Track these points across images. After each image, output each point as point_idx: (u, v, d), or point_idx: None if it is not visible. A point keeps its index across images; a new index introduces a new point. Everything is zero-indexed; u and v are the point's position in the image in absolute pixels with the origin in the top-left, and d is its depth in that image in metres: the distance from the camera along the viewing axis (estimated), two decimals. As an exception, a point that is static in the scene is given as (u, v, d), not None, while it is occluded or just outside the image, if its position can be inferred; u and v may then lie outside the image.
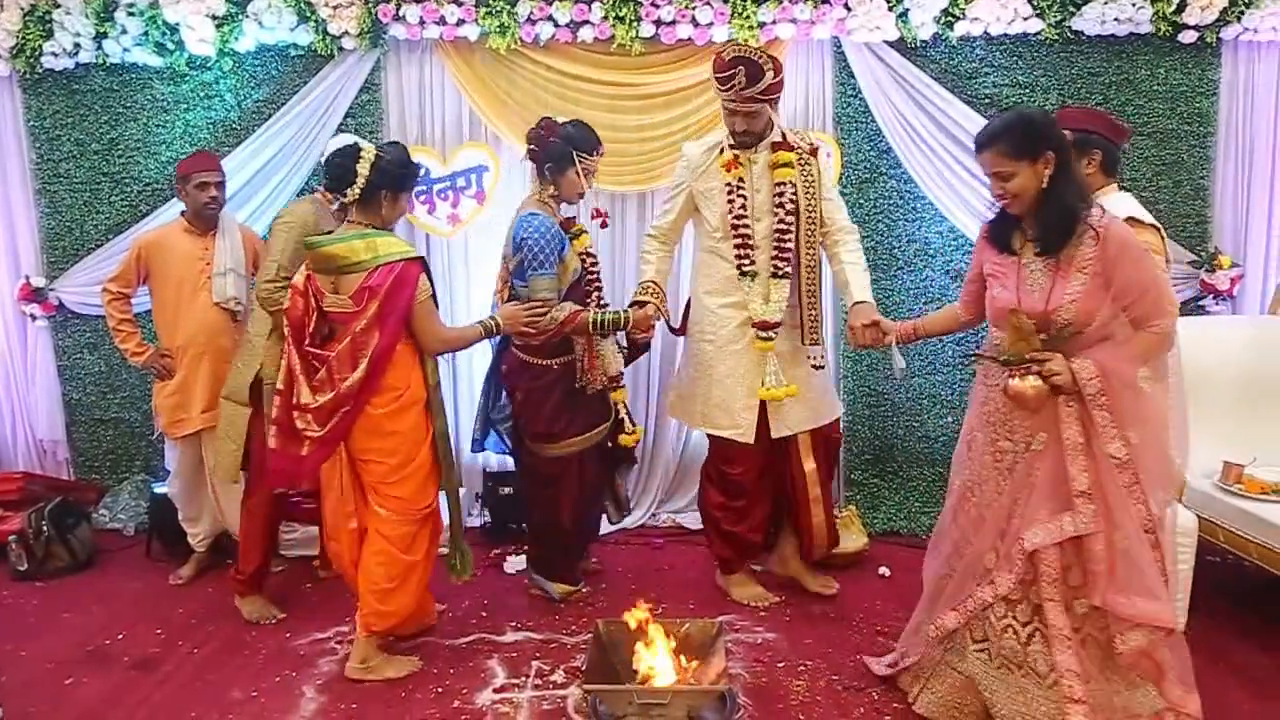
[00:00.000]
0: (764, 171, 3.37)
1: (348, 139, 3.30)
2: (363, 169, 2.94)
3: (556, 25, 4.18)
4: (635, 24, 4.15)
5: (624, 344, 3.67)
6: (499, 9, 4.12)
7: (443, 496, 3.24)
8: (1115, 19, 4.18)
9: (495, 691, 3.00)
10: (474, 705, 2.92)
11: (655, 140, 4.34)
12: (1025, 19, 4.19)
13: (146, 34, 4.24)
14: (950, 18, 4.17)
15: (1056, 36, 4.22)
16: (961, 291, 2.89)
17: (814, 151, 3.42)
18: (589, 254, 3.57)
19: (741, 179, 3.36)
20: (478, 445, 3.81)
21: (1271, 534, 3.12)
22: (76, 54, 4.34)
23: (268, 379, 3.33)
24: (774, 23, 4.15)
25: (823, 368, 3.49)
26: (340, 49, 4.29)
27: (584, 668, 2.89)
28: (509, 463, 4.61)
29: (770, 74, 3.18)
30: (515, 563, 4.06)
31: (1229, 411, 3.60)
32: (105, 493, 4.65)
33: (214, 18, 4.18)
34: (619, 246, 4.57)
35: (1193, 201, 4.42)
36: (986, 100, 4.33)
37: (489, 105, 4.36)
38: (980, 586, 2.59)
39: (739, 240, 3.35)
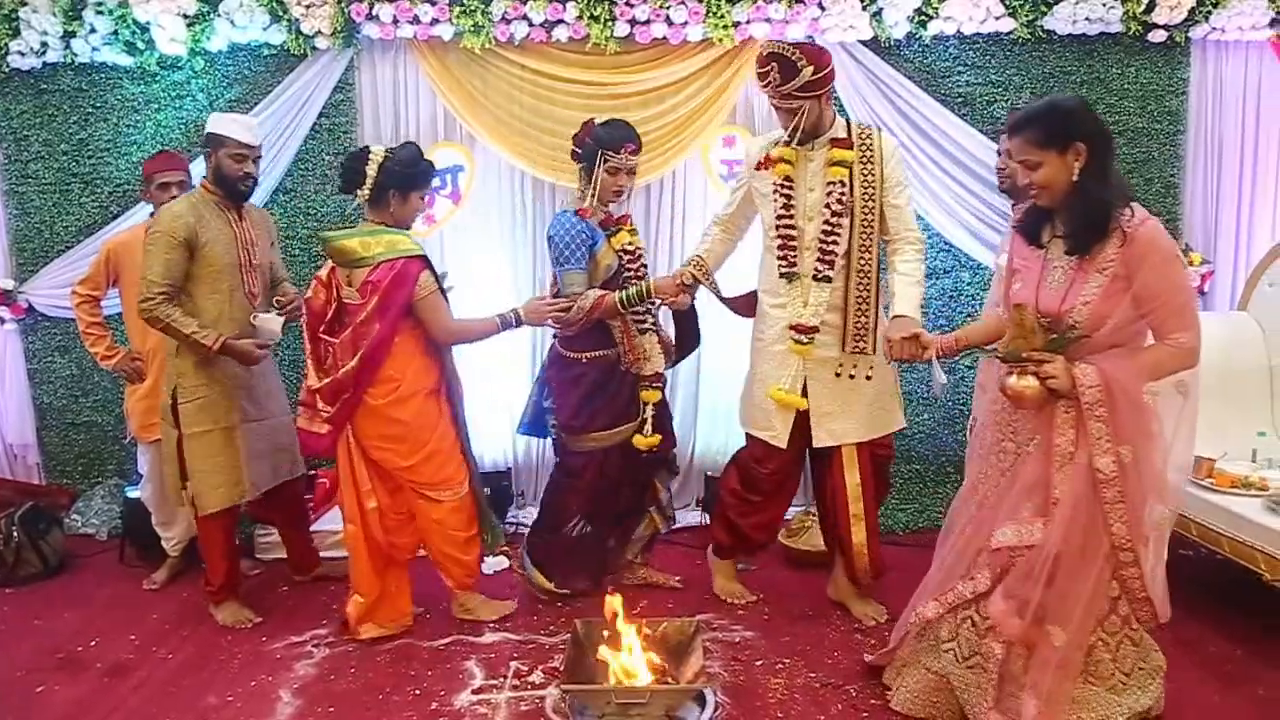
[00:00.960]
0: (820, 170, 3.22)
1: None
2: (371, 170, 3.15)
3: (531, 24, 4.17)
4: (610, 23, 4.15)
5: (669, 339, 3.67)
6: (473, 8, 4.11)
7: None
8: (1086, 18, 4.21)
9: (473, 693, 2.99)
10: (452, 707, 2.90)
11: (631, 140, 4.34)
12: (997, 18, 4.22)
13: (116, 33, 4.19)
14: (924, 17, 4.20)
15: (1028, 35, 4.26)
16: (1000, 294, 2.77)
17: (869, 148, 3.21)
18: (627, 251, 3.50)
19: (789, 178, 3.22)
20: (521, 428, 3.85)
21: (1242, 527, 3.15)
22: (44, 53, 4.29)
23: (181, 397, 3.35)
24: (748, 22, 4.16)
25: (870, 378, 3.27)
26: (313, 48, 4.26)
27: (562, 668, 2.89)
28: (485, 463, 4.64)
29: (808, 70, 3.02)
30: (494, 563, 4.04)
31: (1200, 406, 3.63)
32: (77, 497, 4.60)
33: (185, 17, 4.14)
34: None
35: (1163, 199, 4.47)
36: (960, 99, 4.36)
37: (464, 105, 4.35)
38: (962, 580, 2.57)
39: (780, 241, 3.24)
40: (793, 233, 3.23)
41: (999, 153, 3.50)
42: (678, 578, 3.82)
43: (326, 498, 4.36)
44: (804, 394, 3.27)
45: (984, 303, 3.85)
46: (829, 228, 3.19)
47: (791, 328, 3.24)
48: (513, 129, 4.34)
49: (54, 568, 4.08)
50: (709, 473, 4.51)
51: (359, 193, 3.20)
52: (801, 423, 3.31)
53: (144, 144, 4.38)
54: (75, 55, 4.27)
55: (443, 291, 3.28)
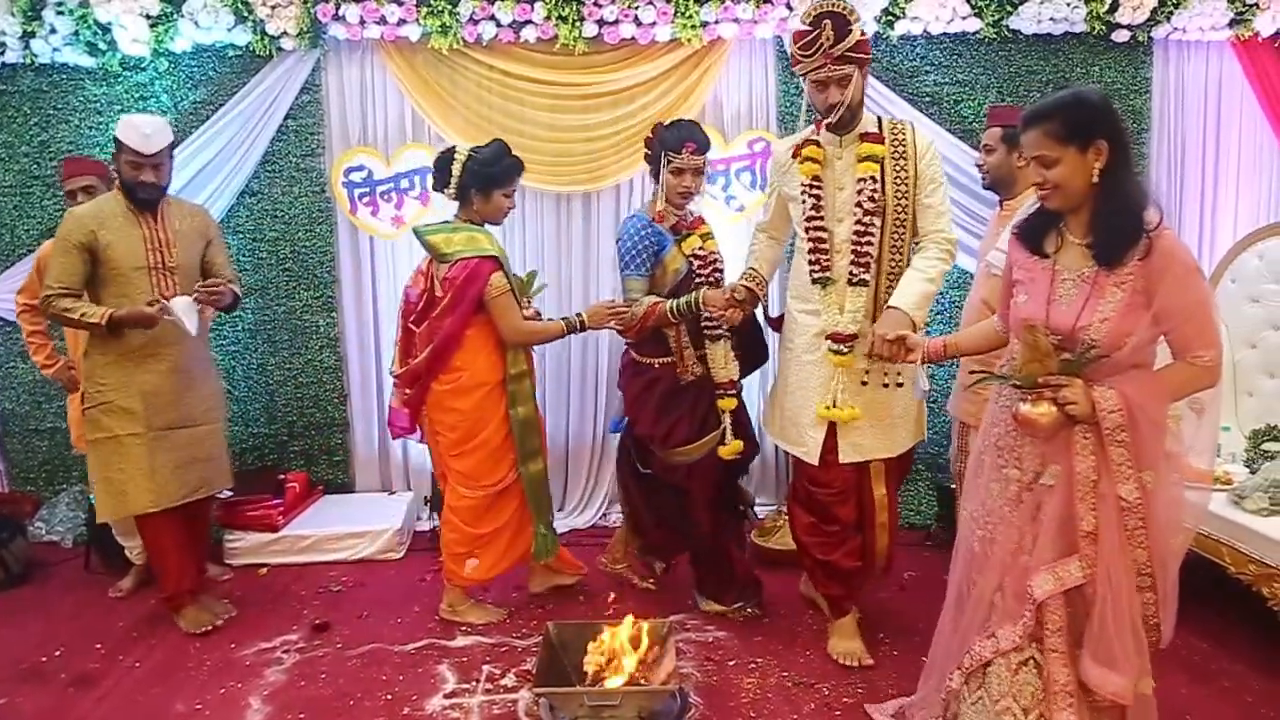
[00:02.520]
0: (849, 167, 3.02)
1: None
2: (455, 169, 3.31)
3: (499, 25, 4.15)
4: (578, 24, 4.14)
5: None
6: (440, 9, 4.09)
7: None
8: (1051, 18, 4.26)
9: (446, 697, 2.97)
10: (424, 711, 2.88)
11: (600, 140, 4.34)
12: (964, 18, 4.25)
13: (77, 34, 4.13)
14: (891, 17, 4.22)
15: (994, 35, 4.29)
16: (988, 309, 2.56)
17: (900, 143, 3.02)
18: (698, 255, 3.37)
19: (818, 177, 3.04)
20: (613, 426, 3.85)
21: (1209, 521, 3.18)
22: (2, 54, 4.22)
23: (87, 402, 3.32)
24: (717, 22, 4.17)
25: (901, 385, 3.07)
26: (279, 49, 4.22)
27: (534, 671, 2.87)
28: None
29: (858, 28, 2.86)
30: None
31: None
32: (41, 504, 4.52)
33: (148, 17, 4.09)
34: (565, 248, 4.55)
35: (1128, 197, 4.51)
36: (927, 98, 4.39)
37: (432, 106, 4.32)
38: (980, 641, 2.29)
39: (811, 244, 3.04)
40: (823, 234, 3.04)
41: (980, 147, 3.48)
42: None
43: (296, 502, 4.33)
44: (833, 404, 3.04)
45: (964, 305, 3.77)
46: (861, 228, 2.97)
47: (828, 336, 3.02)
48: (481, 130, 4.31)
49: (18, 576, 4.01)
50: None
51: (446, 191, 3.36)
52: (830, 433, 3.09)
53: (107, 146, 4.29)
54: (35, 56, 4.21)
55: (514, 292, 3.33)
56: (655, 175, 3.37)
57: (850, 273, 3.00)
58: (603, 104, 4.34)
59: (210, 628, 3.44)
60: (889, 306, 2.88)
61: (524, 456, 3.42)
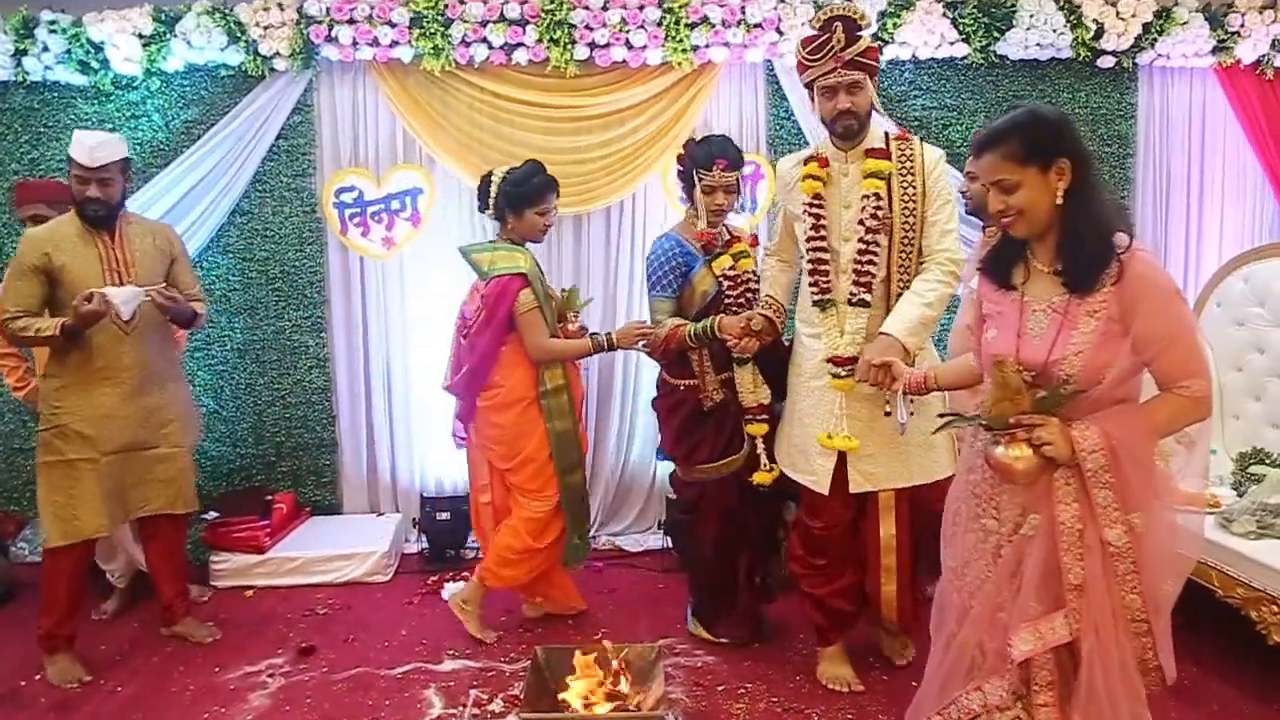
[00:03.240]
0: (855, 184, 2.92)
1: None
2: (492, 190, 3.41)
3: (491, 47, 4.17)
4: (570, 47, 4.16)
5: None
6: (433, 31, 4.10)
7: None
8: (1038, 44, 4.30)
9: (432, 722, 2.95)
10: (410, 737, 2.86)
11: (591, 162, 4.35)
12: (951, 43, 4.29)
13: (69, 52, 4.13)
14: (879, 41, 4.25)
15: (982, 60, 4.34)
16: (971, 340, 2.36)
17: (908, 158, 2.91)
18: (728, 276, 3.27)
19: (820, 195, 2.95)
20: (659, 455, 3.87)
21: (1199, 546, 3.19)
22: (-6, 71, 4.22)
23: (41, 424, 3.28)
24: (707, 46, 4.19)
25: (890, 414, 2.80)
26: (271, 70, 4.23)
27: (522, 696, 2.85)
28: (445, 487, 4.61)
29: (869, 32, 2.82)
30: (454, 589, 3.99)
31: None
32: (25, 524, 4.48)
33: (140, 37, 4.10)
34: (556, 269, 4.55)
35: (1115, 221, 4.55)
36: (915, 122, 4.43)
37: (423, 127, 4.33)
38: (967, 693, 2.14)
39: (812, 264, 2.96)
40: (825, 255, 2.95)
41: (965, 174, 3.51)
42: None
43: (283, 523, 4.30)
44: (833, 433, 2.94)
45: (951, 329, 3.71)
46: (864, 246, 2.87)
47: (828, 359, 2.93)
48: (472, 151, 4.33)
49: (1, 596, 3.97)
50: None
51: (486, 212, 3.50)
52: (843, 465, 2.97)
53: (97, 165, 4.30)
54: (27, 74, 4.21)
55: (542, 309, 3.36)
56: (688, 194, 3.32)
57: (850, 293, 2.90)
58: (594, 126, 4.36)
59: (77, 684, 3.23)
60: (880, 332, 2.82)
61: (562, 469, 3.46)
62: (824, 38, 2.81)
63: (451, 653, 3.42)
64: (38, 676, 3.29)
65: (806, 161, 3.00)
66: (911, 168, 2.90)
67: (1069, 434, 1.92)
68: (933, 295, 2.84)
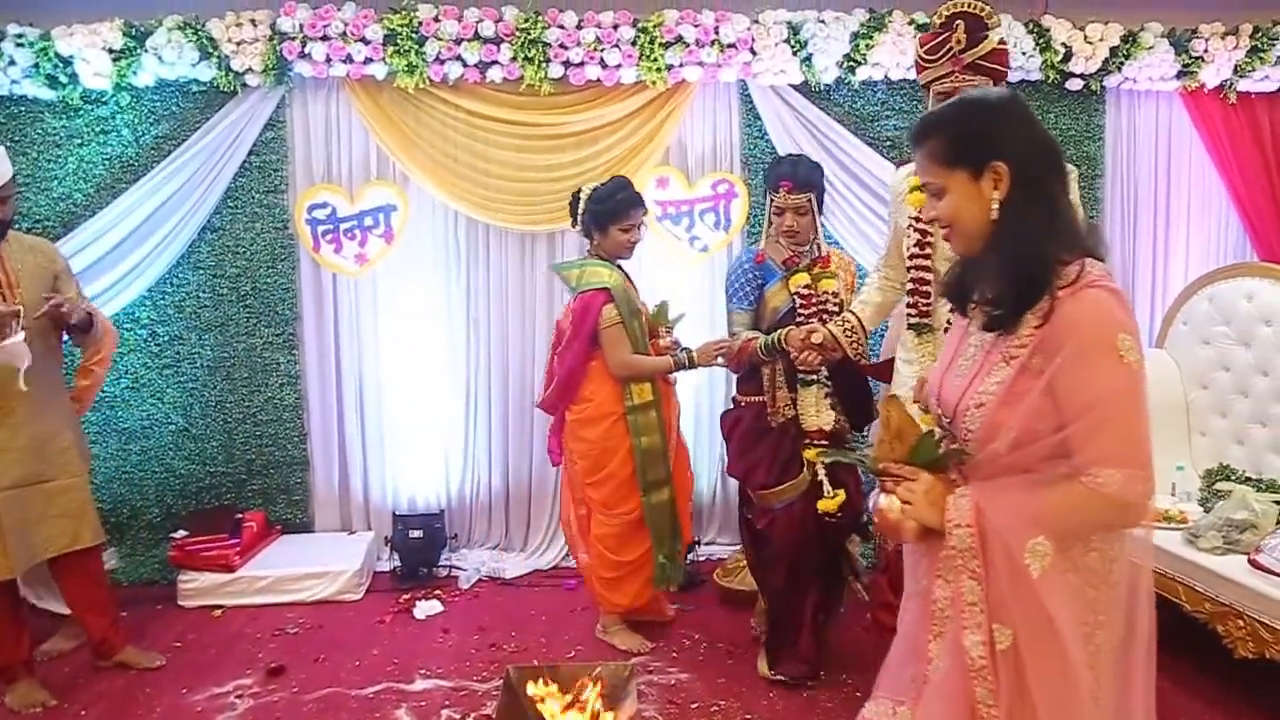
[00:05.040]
0: None
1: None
2: (579, 208, 3.48)
3: (465, 65, 4.17)
4: (544, 65, 4.17)
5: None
6: (407, 48, 4.10)
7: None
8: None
9: (403, 743, 2.92)
10: (380, 758, 2.83)
11: (565, 180, 4.34)
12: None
13: (37, 66, 4.08)
14: (852, 63, 4.30)
15: (952, 82, 4.38)
16: None
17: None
18: (801, 294, 3.17)
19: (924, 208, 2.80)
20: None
21: (1163, 560, 3.23)
22: (-40, 85, 4.17)
23: None
24: (681, 65, 4.22)
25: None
26: (244, 85, 4.20)
27: (494, 715, 2.83)
28: (418, 505, 4.58)
29: (997, 34, 2.53)
30: (426, 608, 3.97)
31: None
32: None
33: (110, 51, 4.06)
34: (529, 287, 4.55)
35: (1083, 241, 4.61)
36: (888, 142, 4.47)
37: (397, 144, 4.32)
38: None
39: (912, 284, 2.74)
40: (927, 276, 2.72)
41: None
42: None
43: (254, 542, 4.25)
44: None
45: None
46: None
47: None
48: (446, 168, 4.32)
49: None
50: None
51: (577, 229, 3.56)
52: None
53: (65, 179, 4.26)
54: (-7, 88, 4.16)
55: (624, 323, 3.39)
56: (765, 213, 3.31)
57: (949, 320, 2.66)
58: (567, 144, 4.37)
59: (40, 708, 3.15)
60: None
61: (646, 486, 3.45)
62: (943, 36, 2.54)
63: (423, 672, 3.39)
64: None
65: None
66: None
67: (942, 499, 1.55)
68: None
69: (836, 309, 3.17)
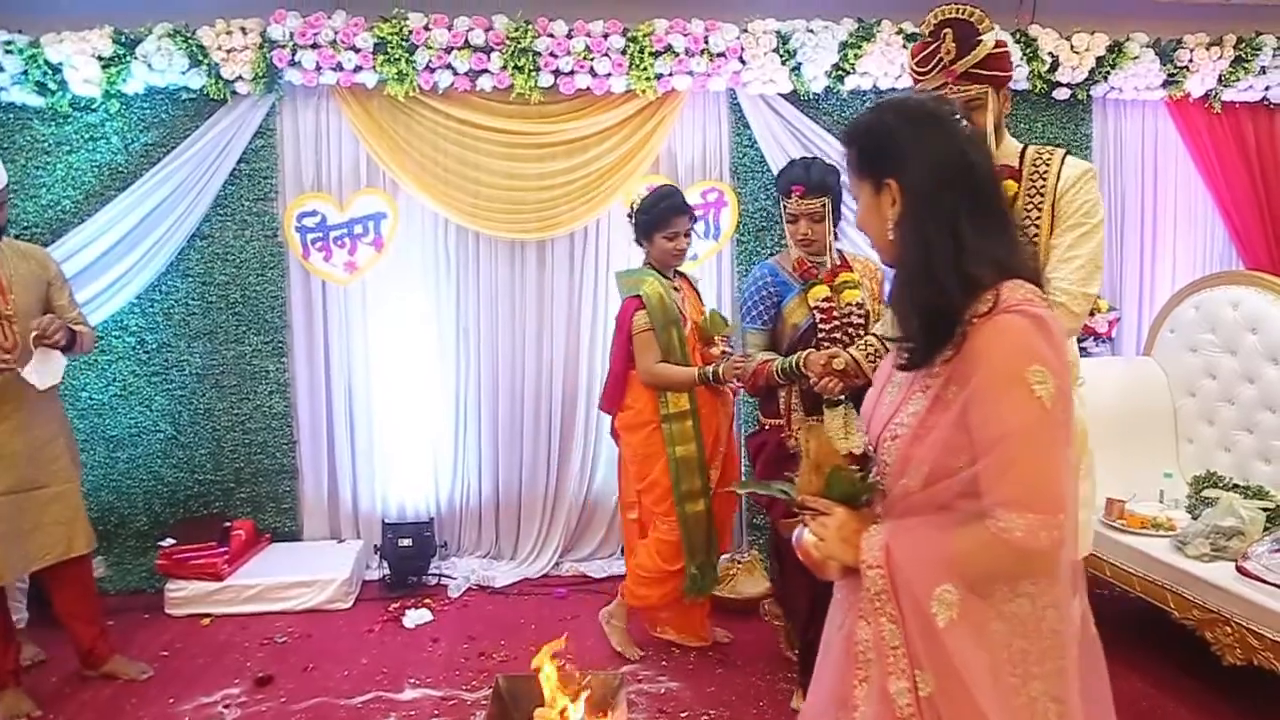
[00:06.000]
0: None
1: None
2: (633, 218, 3.51)
3: (455, 73, 4.18)
4: (534, 74, 4.18)
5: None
6: (397, 56, 4.10)
7: None
8: (995, 76, 4.38)
9: (392, 752, 2.91)
10: (369, 768, 2.82)
11: (555, 188, 4.36)
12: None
13: (26, 73, 4.07)
14: (841, 72, 4.32)
15: (941, 92, 4.41)
16: None
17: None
18: (821, 308, 2.99)
19: None
20: None
21: (1152, 567, 3.25)
22: (-52, 92, 4.15)
23: None
24: (671, 74, 4.23)
25: None
26: (234, 93, 4.20)
27: (484, 724, 2.82)
28: (407, 513, 4.57)
29: (991, 38, 2.35)
30: (415, 617, 3.95)
31: (1109, 448, 3.72)
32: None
33: (100, 58, 4.05)
34: (518, 295, 4.55)
35: (1071, 249, 4.64)
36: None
37: (387, 152, 4.32)
38: None
39: None
40: None
41: None
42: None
43: (242, 550, 4.23)
44: None
45: None
46: None
47: None
48: (436, 176, 4.33)
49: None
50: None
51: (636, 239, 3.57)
52: None
53: (54, 186, 4.25)
54: (-19, 94, 4.15)
55: (655, 334, 3.38)
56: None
57: None
58: (557, 153, 4.38)
59: (25, 718, 3.13)
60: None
61: (680, 497, 3.42)
62: (932, 47, 2.38)
63: (413, 681, 3.38)
64: (-16, 710, 3.21)
65: None
66: (1041, 188, 2.38)
67: (856, 536, 1.45)
68: None
69: (862, 322, 2.99)
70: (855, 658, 1.47)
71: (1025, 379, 1.30)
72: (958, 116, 1.46)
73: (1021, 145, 2.45)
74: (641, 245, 3.53)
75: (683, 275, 3.63)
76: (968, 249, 1.38)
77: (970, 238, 1.38)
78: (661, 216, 3.41)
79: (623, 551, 4.44)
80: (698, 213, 4.47)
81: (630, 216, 3.55)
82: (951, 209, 1.39)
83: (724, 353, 3.49)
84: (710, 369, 3.32)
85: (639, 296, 3.40)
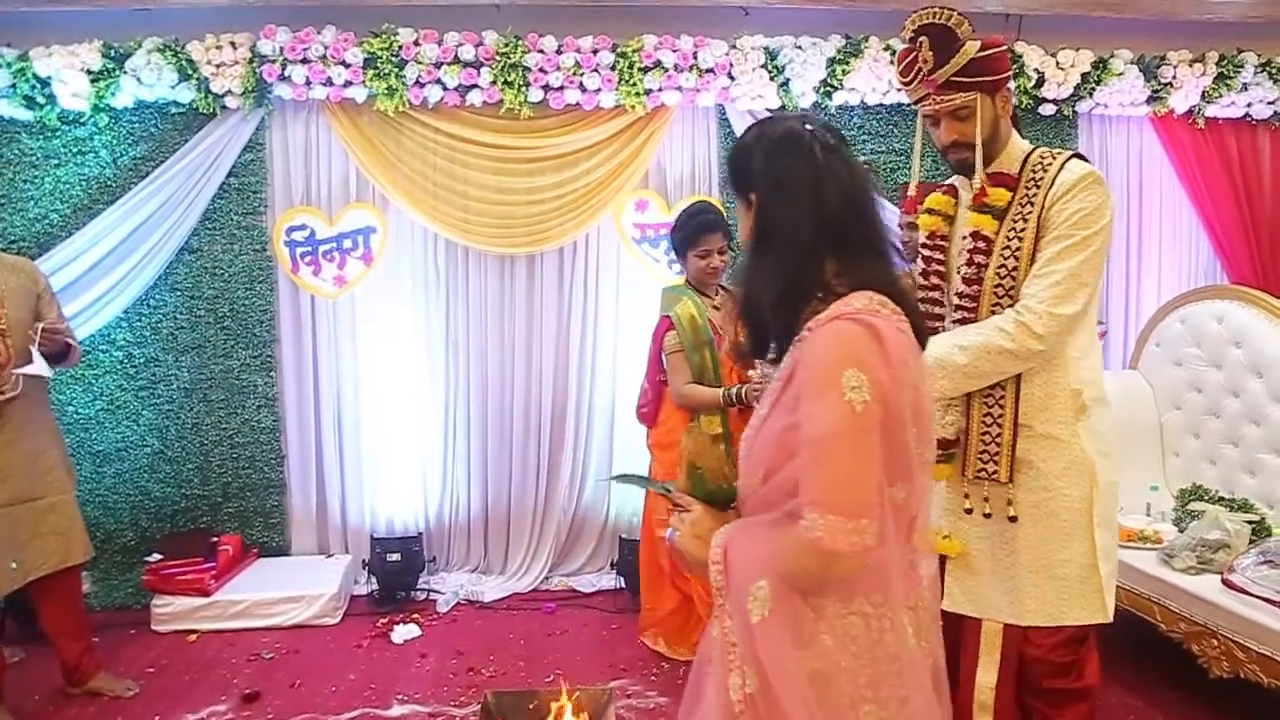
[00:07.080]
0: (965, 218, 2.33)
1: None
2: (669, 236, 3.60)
3: (445, 88, 4.19)
4: (524, 89, 4.19)
5: None
6: (387, 71, 4.11)
7: None
8: (981, 92, 4.42)
9: (379, 769, 2.89)
10: (356, 785, 2.80)
11: (545, 203, 4.37)
12: (899, 90, 4.34)
13: (14, 86, 4.06)
14: (829, 88, 4.35)
15: (928, 107, 4.44)
16: None
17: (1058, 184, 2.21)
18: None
19: (941, 234, 2.39)
20: None
21: (1139, 580, 3.26)
22: (-64, 105, 4.15)
23: None
24: (660, 90, 4.25)
25: (1015, 519, 2.23)
26: (223, 107, 4.20)
27: (472, 740, 2.81)
28: (396, 528, 4.55)
29: (973, 45, 2.16)
30: (403, 632, 3.94)
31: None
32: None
33: (89, 72, 4.04)
34: (508, 309, 4.55)
35: (1057, 263, 4.67)
36: (864, 166, 4.50)
37: (376, 167, 4.33)
38: None
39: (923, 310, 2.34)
40: (939, 298, 2.41)
41: (900, 225, 3.58)
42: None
43: (229, 565, 4.21)
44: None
45: None
46: (957, 300, 2.30)
47: None
48: (426, 191, 4.33)
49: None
50: (623, 535, 4.48)
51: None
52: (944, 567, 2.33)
53: (41, 200, 4.24)
54: (-31, 108, 4.14)
55: (684, 352, 3.40)
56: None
57: None
58: (547, 168, 4.39)
59: None
60: None
61: None
62: (912, 56, 2.24)
63: (401, 697, 3.37)
64: (-33, 728, 3.18)
65: (943, 191, 2.44)
66: (1034, 196, 2.21)
67: (708, 534, 1.49)
68: (971, 340, 2.19)
69: None
70: (708, 654, 1.49)
71: (839, 383, 1.32)
72: (830, 142, 1.49)
73: (1029, 149, 2.30)
74: (680, 263, 3.57)
75: (728, 291, 3.57)
76: (810, 265, 1.44)
77: (814, 254, 1.44)
78: (693, 235, 3.44)
79: (612, 565, 4.45)
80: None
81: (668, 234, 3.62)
82: (795, 228, 1.44)
83: (765, 375, 3.46)
84: (734, 390, 3.30)
85: (665, 317, 3.45)
